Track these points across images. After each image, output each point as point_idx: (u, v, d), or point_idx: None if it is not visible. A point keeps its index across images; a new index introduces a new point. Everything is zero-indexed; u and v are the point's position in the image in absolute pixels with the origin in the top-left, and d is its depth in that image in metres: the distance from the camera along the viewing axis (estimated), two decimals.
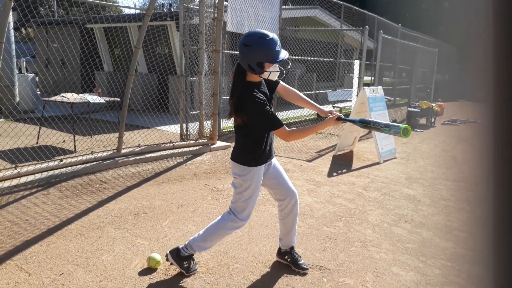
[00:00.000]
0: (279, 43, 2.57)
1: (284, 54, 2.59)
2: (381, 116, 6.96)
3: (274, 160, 2.93)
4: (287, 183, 2.96)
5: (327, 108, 2.99)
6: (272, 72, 2.63)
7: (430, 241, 3.65)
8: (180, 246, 2.92)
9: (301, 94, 3.01)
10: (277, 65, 2.63)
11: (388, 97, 11.28)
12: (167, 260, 2.93)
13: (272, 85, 2.82)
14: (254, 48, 2.53)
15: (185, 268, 2.90)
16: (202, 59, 6.77)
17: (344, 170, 6.01)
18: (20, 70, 10.36)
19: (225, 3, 7.17)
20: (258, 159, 2.74)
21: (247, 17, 8.38)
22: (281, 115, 10.14)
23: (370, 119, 2.98)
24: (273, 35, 2.56)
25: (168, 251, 2.95)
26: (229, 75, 9.50)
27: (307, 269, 3.04)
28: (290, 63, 2.85)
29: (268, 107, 2.61)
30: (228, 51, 8.23)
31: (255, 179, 2.76)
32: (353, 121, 2.96)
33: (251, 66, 2.56)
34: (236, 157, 2.78)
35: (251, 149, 2.73)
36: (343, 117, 2.83)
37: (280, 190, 2.95)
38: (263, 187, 2.92)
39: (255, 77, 2.64)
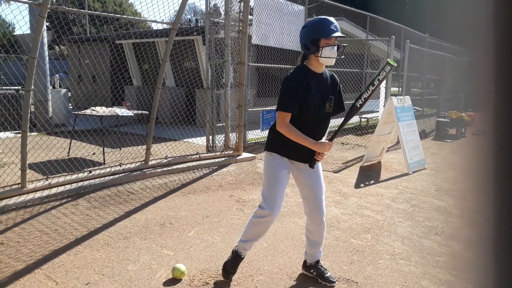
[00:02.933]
0: (336, 24, 2.67)
1: (339, 34, 2.66)
2: (409, 126, 6.83)
3: (316, 172, 2.88)
4: (317, 201, 2.88)
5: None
6: (328, 53, 2.64)
7: (462, 255, 3.51)
8: (234, 248, 3.00)
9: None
10: (335, 50, 2.66)
11: (416, 107, 11.08)
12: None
13: (334, 86, 2.84)
14: (310, 27, 2.69)
15: (228, 274, 3.00)
16: (227, 72, 6.84)
17: (372, 181, 5.90)
18: (53, 86, 10.72)
19: (250, 16, 7.24)
20: (277, 147, 2.80)
21: (272, 30, 8.43)
22: None
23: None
24: (330, 18, 2.68)
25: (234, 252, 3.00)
26: (254, 87, 9.55)
27: (334, 282, 2.96)
28: (343, 47, 2.82)
29: (294, 90, 2.64)
30: (253, 64, 8.28)
31: (269, 165, 2.83)
32: (343, 124, 2.91)
33: (306, 45, 2.67)
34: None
35: (275, 136, 2.80)
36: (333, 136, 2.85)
37: (307, 205, 2.92)
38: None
39: (314, 63, 2.70)
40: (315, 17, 2.75)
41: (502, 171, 0.64)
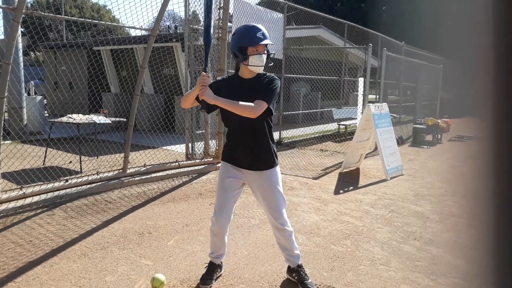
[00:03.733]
0: (264, 32, 2.66)
1: (266, 42, 2.65)
2: (387, 132, 6.93)
3: (268, 181, 2.83)
4: (269, 209, 2.87)
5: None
6: (256, 61, 2.65)
7: (440, 259, 3.57)
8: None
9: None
10: (263, 58, 2.66)
11: (393, 114, 11.25)
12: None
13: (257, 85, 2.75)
14: (237, 34, 2.68)
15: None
16: None
17: (351, 188, 5.95)
18: (29, 93, 10.49)
19: (229, 23, 7.25)
20: (223, 154, 2.89)
21: None
22: (286, 133, 10.14)
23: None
24: (259, 25, 2.68)
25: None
26: None
27: None
28: (273, 54, 2.83)
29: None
30: (232, 71, 8.27)
31: (219, 173, 2.92)
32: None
33: (234, 53, 2.68)
34: None
35: (226, 143, 2.92)
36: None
37: (265, 213, 3.00)
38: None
39: (244, 70, 2.73)
40: (244, 24, 2.77)
41: (498, 174, 0.64)
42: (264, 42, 2.64)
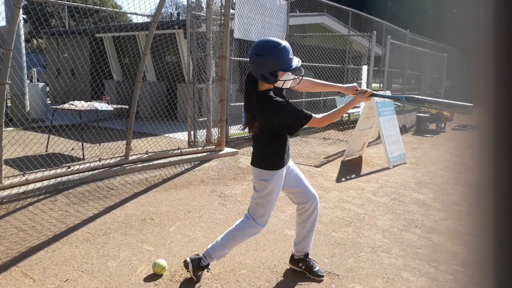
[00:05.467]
0: (291, 50, 2.54)
1: (297, 62, 2.55)
2: (390, 121, 6.90)
3: (292, 164, 2.89)
4: (308, 186, 2.92)
5: (351, 85, 2.94)
6: (286, 81, 2.60)
7: (441, 246, 3.57)
8: (201, 255, 2.85)
9: (315, 80, 2.98)
10: (290, 73, 2.60)
11: (397, 103, 11.19)
12: (186, 268, 2.86)
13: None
14: (266, 57, 2.48)
15: (198, 276, 2.86)
16: (209, 66, 6.78)
17: (353, 176, 5.94)
18: (31, 80, 10.47)
19: (232, 10, 7.19)
20: (280, 162, 2.71)
21: (254, 24, 8.39)
22: None
23: (418, 97, 2.90)
24: (285, 43, 2.53)
25: (189, 259, 2.86)
26: (236, 82, 9.51)
27: (322, 276, 2.96)
28: (303, 70, 2.81)
29: (290, 105, 2.60)
30: (235, 58, 8.23)
31: (278, 182, 2.73)
32: (391, 97, 3.12)
33: (264, 75, 2.51)
34: (258, 162, 2.74)
35: (273, 153, 2.70)
36: (376, 92, 2.86)
37: (301, 194, 2.90)
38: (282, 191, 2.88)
39: (267, 86, 2.60)
40: (268, 40, 2.55)
41: (499, 165, 0.64)
42: (296, 64, 2.53)
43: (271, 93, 2.59)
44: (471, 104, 2.56)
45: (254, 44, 2.56)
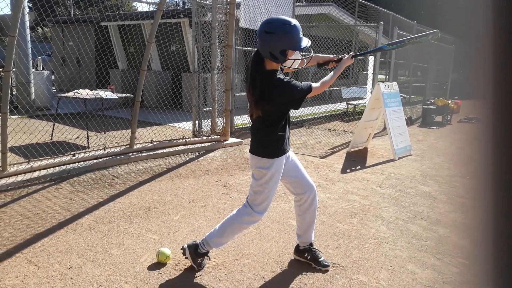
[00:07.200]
0: (301, 29, 2.52)
1: (306, 41, 2.53)
2: (396, 112, 6.84)
3: (292, 154, 2.86)
4: (306, 177, 2.90)
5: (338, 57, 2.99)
6: (296, 60, 2.58)
7: (446, 239, 3.55)
8: (199, 242, 2.85)
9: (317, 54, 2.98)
10: (299, 53, 2.58)
11: (403, 95, 11.11)
12: (184, 254, 2.87)
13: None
14: (277, 35, 2.45)
15: (197, 263, 2.85)
16: (214, 55, 6.73)
17: (358, 167, 5.91)
18: (36, 68, 10.46)
19: None
20: (279, 150, 2.68)
21: (260, 13, 8.31)
22: (294, 112, 10.06)
23: (397, 40, 3.12)
24: (295, 21, 2.50)
25: (186, 245, 2.87)
26: (241, 71, 9.45)
27: (328, 266, 2.95)
28: (312, 51, 2.78)
29: (293, 80, 2.59)
30: (241, 47, 8.17)
31: (278, 170, 2.71)
32: (373, 51, 3.34)
33: (273, 54, 2.48)
34: (257, 150, 2.71)
35: (273, 141, 2.67)
36: (357, 53, 3.00)
37: (299, 184, 2.87)
38: (280, 182, 2.85)
39: (274, 65, 2.57)
40: (279, 18, 2.52)
41: (500, 158, 0.62)
42: (305, 44, 2.51)
43: (277, 73, 2.57)
44: (436, 30, 3.05)
45: (264, 21, 2.53)
